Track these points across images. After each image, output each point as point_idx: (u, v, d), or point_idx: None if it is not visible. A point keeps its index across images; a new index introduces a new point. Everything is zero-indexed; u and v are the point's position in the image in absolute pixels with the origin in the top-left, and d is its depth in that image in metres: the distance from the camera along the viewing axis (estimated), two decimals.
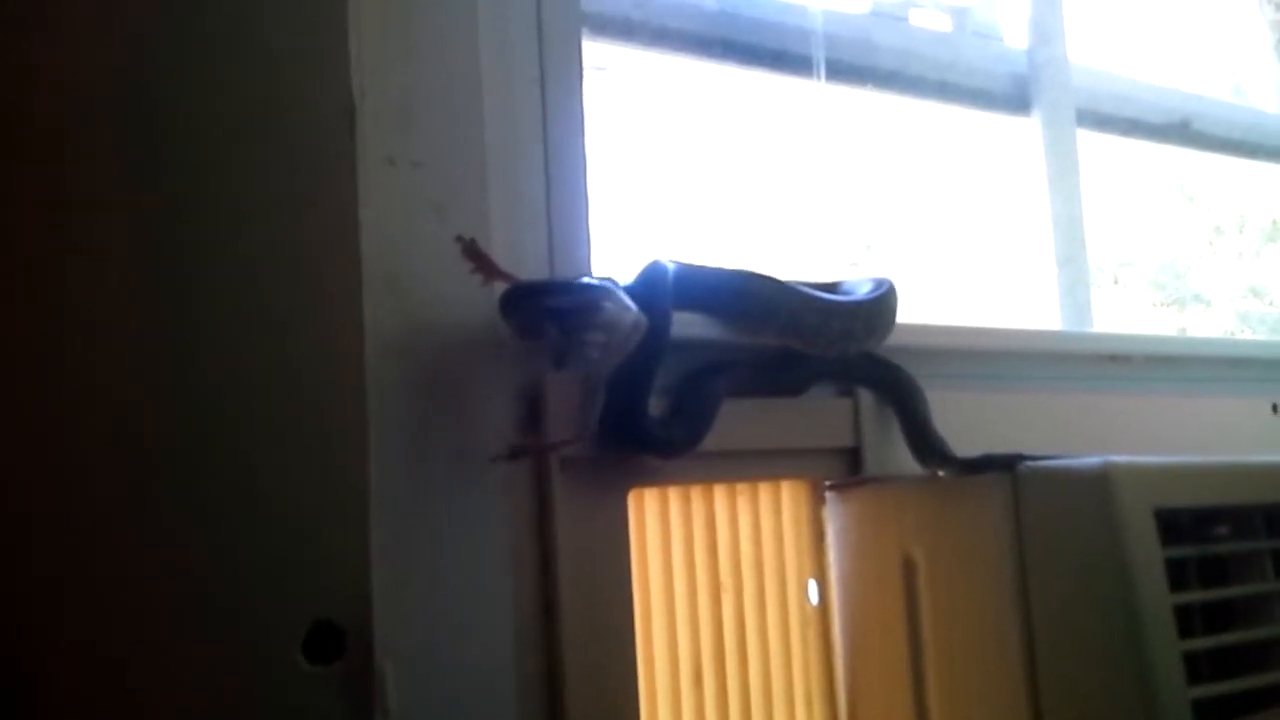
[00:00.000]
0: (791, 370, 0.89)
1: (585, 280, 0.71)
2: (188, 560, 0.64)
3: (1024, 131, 1.33)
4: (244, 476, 0.64)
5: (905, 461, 0.91)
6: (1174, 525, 0.81)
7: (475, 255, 0.67)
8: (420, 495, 0.67)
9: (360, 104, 0.67)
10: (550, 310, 0.65)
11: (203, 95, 0.67)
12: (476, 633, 0.69)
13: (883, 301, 0.90)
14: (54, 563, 0.65)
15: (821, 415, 0.90)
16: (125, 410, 0.65)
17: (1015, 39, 1.33)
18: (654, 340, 0.77)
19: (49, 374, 0.66)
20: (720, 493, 0.88)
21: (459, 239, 0.66)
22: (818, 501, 0.93)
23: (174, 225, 0.66)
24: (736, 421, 0.82)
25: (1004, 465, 0.84)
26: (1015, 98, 1.32)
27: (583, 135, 0.83)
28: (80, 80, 0.68)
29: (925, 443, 0.90)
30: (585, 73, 0.85)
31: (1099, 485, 0.80)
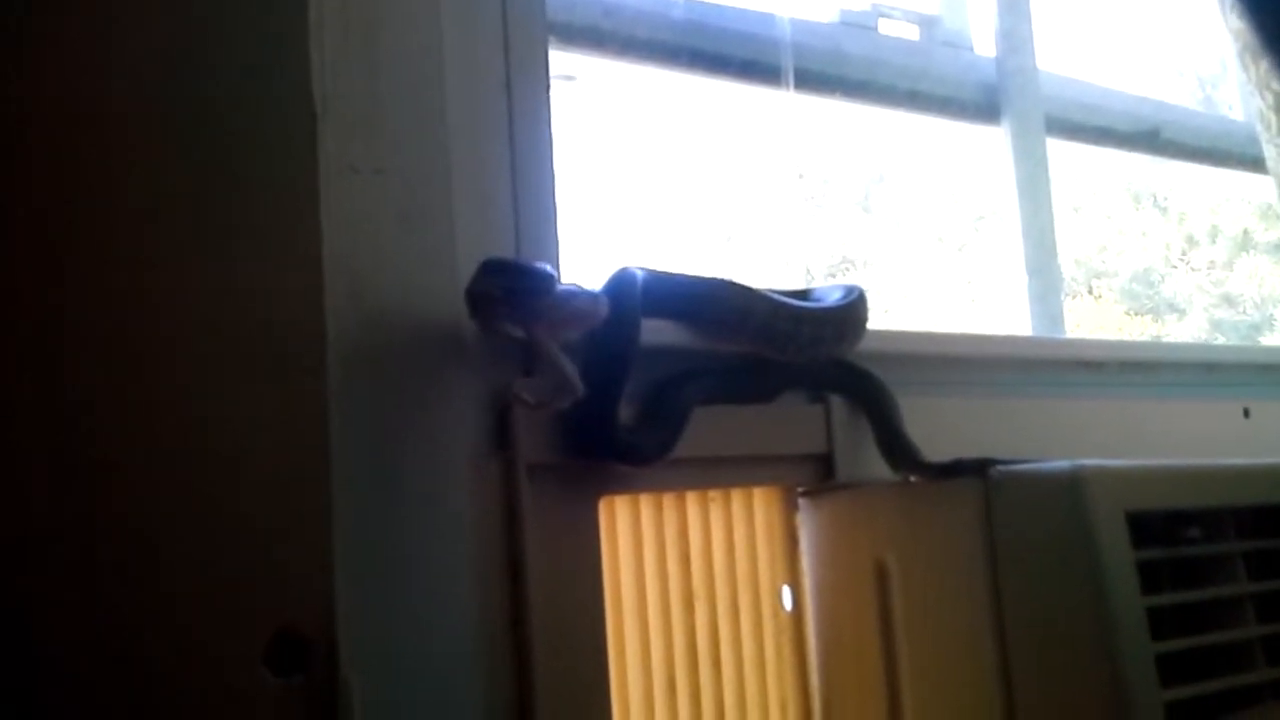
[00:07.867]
0: (763, 377, 0.89)
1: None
2: (144, 570, 0.62)
3: (993, 140, 1.33)
4: (203, 484, 0.63)
5: (877, 467, 0.90)
6: (1145, 528, 0.81)
7: None
8: (385, 504, 0.66)
9: (323, 112, 0.67)
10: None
11: (162, 103, 0.66)
12: (444, 644, 0.68)
13: (853, 308, 0.90)
14: (11, 580, 0.63)
15: (793, 422, 0.90)
16: (78, 417, 0.64)
17: (984, 48, 1.34)
18: (624, 347, 0.77)
19: None
20: (692, 500, 0.88)
21: None
22: (790, 508, 0.93)
23: (133, 234, 0.65)
24: (708, 429, 0.82)
25: (975, 470, 0.84)
26: (984, 106, 1.32)
27: (550, 143, 0.83)
28: (37, 94, 0.67)
29: (897, 448, 0.90)
30: (552, 81, 0.84)
31: (1070, 489, 0.80)
